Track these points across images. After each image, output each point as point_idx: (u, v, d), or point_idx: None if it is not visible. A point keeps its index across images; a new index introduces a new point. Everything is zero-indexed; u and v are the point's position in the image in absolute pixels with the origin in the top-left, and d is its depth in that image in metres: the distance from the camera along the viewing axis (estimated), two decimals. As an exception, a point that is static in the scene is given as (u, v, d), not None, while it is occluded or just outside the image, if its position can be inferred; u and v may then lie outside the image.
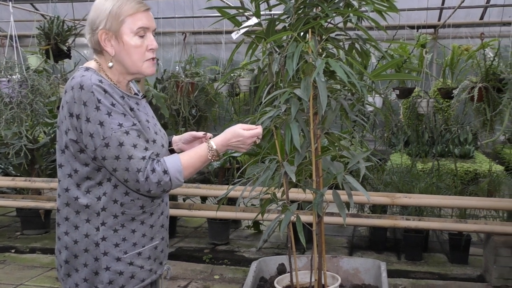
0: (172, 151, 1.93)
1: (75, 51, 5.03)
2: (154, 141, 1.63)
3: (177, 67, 5.97)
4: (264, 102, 1.82)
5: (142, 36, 1.61)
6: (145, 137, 1.58)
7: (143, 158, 1.52)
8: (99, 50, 1.63)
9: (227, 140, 1.68)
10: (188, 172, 1.60)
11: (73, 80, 1.55)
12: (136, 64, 1.62)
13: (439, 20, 7.07)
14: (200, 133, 1.88)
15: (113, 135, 1.51)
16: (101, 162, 1.55)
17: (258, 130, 1.71)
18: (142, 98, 1.75)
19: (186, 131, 5.84)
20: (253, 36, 2.03)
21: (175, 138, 1.94)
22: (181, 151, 1.92)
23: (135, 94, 1.73)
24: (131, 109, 1.60)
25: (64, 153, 1.61)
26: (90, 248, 1.60)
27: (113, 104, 1.52)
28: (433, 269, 4.13)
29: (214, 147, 1.65)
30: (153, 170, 1.52)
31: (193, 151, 1.64)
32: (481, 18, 6.85)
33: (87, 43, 1.65)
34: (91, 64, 1.65)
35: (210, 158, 1.64)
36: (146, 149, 1.55)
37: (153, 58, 1.65)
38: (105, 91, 1.52)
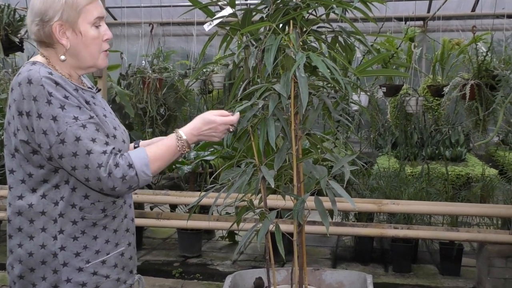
0: None
1: (28, 43, 4.95)
2: (114, 136, 1.63)
3: (143, 62, 5.93)
4: (240, 98, 1.82)
5: (98, 27, 1.63)
6: (104, 131, 1.57)
7: (104, 152, 1.51)
8: (48, 43, 1.62)
9: (197, 129, 1.68)
10: (156, 165, 1.59)
11: (20, 76, 1.54)
12: (93, 56, 1.64)
13: (428, 11, 7.18)
14: None
15: (69, 129, 1.49)
16: (58, 162, 1.53)
17: (232, 118, 1.72)
18: (97, 91, 1.74)
19: (153, 132, 5.83)
20: (228, 27, 2.03)
21: (142, 143, 1.93)
22: None
23: (89, 88, 1.73)
24: (87, 102, 1.60)
25: (14, 157, 1.59)
26: (47, 259, 1.58)
27: (66, 97, 1.52)
28: (423, 281, 4.18)
29: (184, 137, 1.65)
30: (117, 165, 1.51)
31: (160, 143, 1.65)
32: (473, 9, 6.98)
33: (31, 35, 1.63)
34: (38, 58, 1.64)
35: (179, 149, 1.64)
36: (106, 143, 1.54)
37: (107, 49, 1.68)
38: (56, 83, 1.52)
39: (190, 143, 1.67)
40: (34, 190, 1.59)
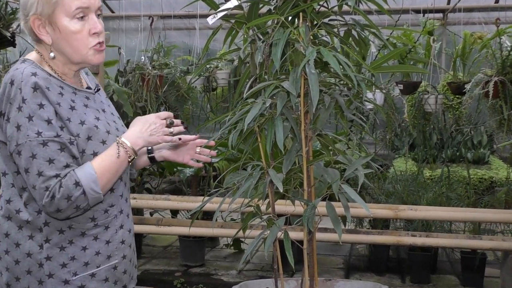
0: (152, 160, 1.91)
1: (20, 37, 4.97)
2: (104, 142, 1.62)
3: (142, 57, 5.95)
4: (246, 96, 1.82)
5: (82, 18, 1.58)
6: (71, 152, 1.54)
7: (56, 176, 1.50)
8: (36, 38, 1.62)
9: (138, 131, 1.65)
10: (105, 179, 1.57)
11: (7, 75, 1.56)
12: (78, 53, 1.60)
13: (448, 3, 7.15)
14: (191, 136, 1.84)
15: (27, 143, 1.50)
16: None
17: (166, 113, 1.71)
18: (96, 91, 1.73)
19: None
20: (233, 20, 2.03)
21: None
22: (164, 159, 1.91)
23: (88, 88, 1.72)
24: (72, 108, 1.58)
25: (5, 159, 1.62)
26: (33, 269, 1.59)
27: (40, 105, 1.50)
28: (443, 293, 4.17)
29: (126, 141, 1.61)
30: (60, 186, 1.49)
31: (103, 153, 1.60)
32: (496, 1, 6.95)
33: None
34: (32, 55, 1.64)
35: (123, 154, 1.60)
36: (66, 166, 1.52)
37: (100, 43, 1.62)
38: (36, 87, 1.51)
39: (135, 148, 1.62)
40: (20, 196, 1.60)
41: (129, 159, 1.62)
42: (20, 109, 1.50)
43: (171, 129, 1.71)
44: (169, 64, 5.87)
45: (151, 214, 4.96)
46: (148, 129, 1.66)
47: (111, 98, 4.96)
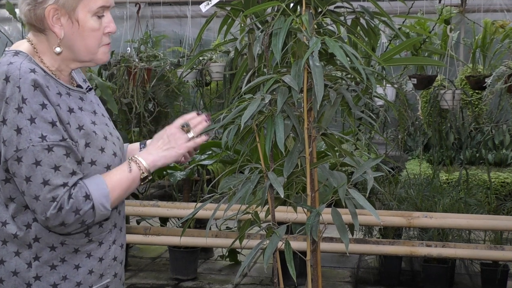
0: None
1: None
2: (102, 150, 1.62)
3: (128, 49, 5.94)
4: (243, 92, 1.82)
5: (100, 17, 1.62)
6: (76, 157, 1.54)
7: (64, 185, 1.49)
8: (40, 28, 1.60)
9: (153, 146, 1.71)
10: (115, 196, 1.59)
11: None
12: (90, 50, 1.63)
13: (467, -12, 7.16)
14: (203, 138, 1.82)
15: (30, 148, 1.48)
16: (12, 177, 1.53)
17: (186, 116, 1.75)
18: (88, 90, 1.73)
19: (140, 131, 5.85)
20: (229, 8, 2.03)
21: (132, 146, 1.92)
22: None
23: (78, 86, 1.72)
24: (71, 110, 1.58)
25: None
26: None
27: (43, 105, 1.49)
28: (461, 309, 4.18)
29: (139, 158, 1.65)
30: (70, 197, 1.49)
31: (115, 168, 1.64)
32: (521, -14, 6.96)
33: (21, 14, 1.62)
34: (23, 45, 1.63)
35: (135, 170, 1.63)
36: (72, 173, 1.52)
37: (108, 43, 1.67)
38: (36, 85, 1.50)
39: (147, 165, 1.65)
40: (7, 207, 1.58)
41: (142, 176, 1.65)
42: (20, 110, 1.47)
43: (191, 133, 1.74)
44: (158, 56, 5.86)
45: (138, 222, 4.96)
46: (164, 144, 1.71)
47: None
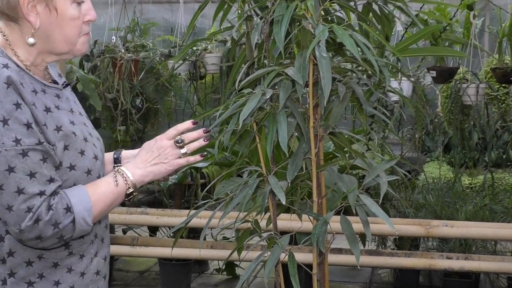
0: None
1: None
2: (82, 153, 1.62)
3: (113, 37, 5.95)
4: (241, 86, 1.83)
5: (79, 3, 1.63)
6: (54, 162, 1.54)
7: (41, 194, 1.49)
8: (13, 16, 1.59)
9: (141, 160, 1.70)
10: (98, 210, 1.60)
11: None
12: (69, 41, 1.63)
13: (492, -30, 7.16)
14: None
15: (3, 153, 1.47)
16: None
17: (177, 126, 1.74)
18: (65, 87, 1.73)
19: (127, 130, 5.85)
20: (225, -8, 2.04)
21: (126, 153, 1.92)
22: None
23: (53, 81, 1.72)
24: (47, 110, 1.58)
25: None
26: None
27: (17, 105, 1.49)
28: (485, 329, 4.18)
29: (125, 170, 1.66)
30: (49, 207, 1.49)
31: (99, 179, 1.65)
32: (553, -33, 6.96)
33: None
34: None
35: (122, 183, 1.64)
36: (51, 180, 1.52)
37: (88, 33, 1.68)
38: (10, 83, 1.49)
39: (135, 180, 1.66)
40: None
41: (127, 192, 1.65)
42: None
43: (184, 149, 1.73)
44: (146, 46, 5.87)
45: (124, 232, 4.96)
46: (153, 158, 1.71)
47: (74, 88, 4.97)
